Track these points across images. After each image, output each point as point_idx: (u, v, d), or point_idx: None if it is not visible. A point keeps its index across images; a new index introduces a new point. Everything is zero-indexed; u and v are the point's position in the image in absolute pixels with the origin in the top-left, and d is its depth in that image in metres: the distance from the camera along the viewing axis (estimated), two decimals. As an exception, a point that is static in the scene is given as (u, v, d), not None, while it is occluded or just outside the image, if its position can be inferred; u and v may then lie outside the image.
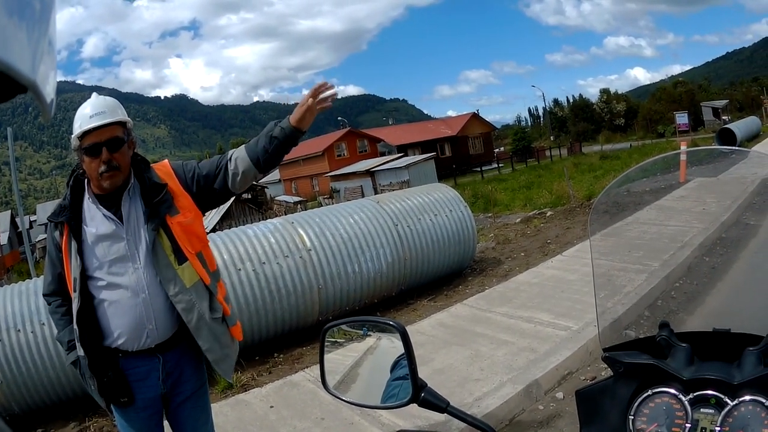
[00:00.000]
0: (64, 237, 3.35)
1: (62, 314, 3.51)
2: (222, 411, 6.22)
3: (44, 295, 3.64)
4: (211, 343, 3.49)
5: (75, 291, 3.31)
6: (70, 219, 3.34)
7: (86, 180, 3.41)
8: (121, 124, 3.33)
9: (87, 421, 6.93)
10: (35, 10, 0.51)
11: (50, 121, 0.59)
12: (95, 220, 3.37)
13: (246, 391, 6.95)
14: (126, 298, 3.33)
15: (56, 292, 3.53)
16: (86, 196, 3.41)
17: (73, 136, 3.30)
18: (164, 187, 3.43)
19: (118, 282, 3.34)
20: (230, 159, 3.51)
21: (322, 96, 3.36)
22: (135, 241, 3.37)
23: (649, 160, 2.21)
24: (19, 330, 6.89)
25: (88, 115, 3.25)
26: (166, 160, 3.74)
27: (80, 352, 3.36)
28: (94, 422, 6.88)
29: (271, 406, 6.31)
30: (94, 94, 3.40)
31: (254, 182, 3.57)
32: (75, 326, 3.34)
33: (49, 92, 0.54)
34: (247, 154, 3.48)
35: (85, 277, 3.33)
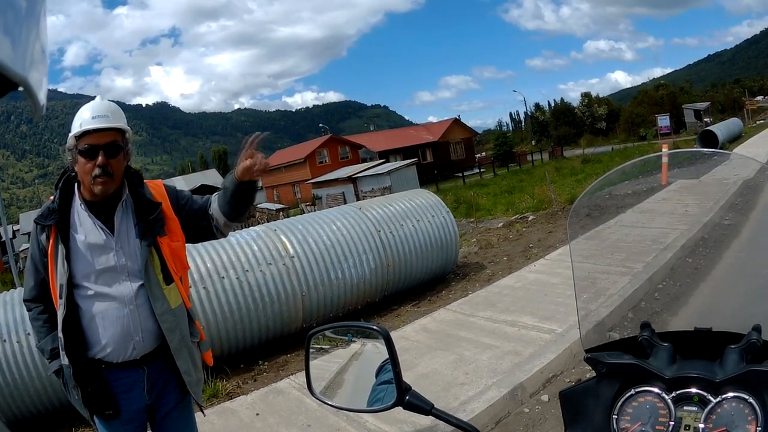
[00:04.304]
0: (51, 241, 3.29)
1: (44, 321, 3.44)
2: (208, 419, 6.16)
3: (25, 301, 3.55)
4: (188, 366, 3.50)
5: (61, 298, 3.25)
6: (59, 223, 3.28)
7: (77, 184, 3.37)
8: (121, 131, 3.30)
9: (74, 431, 6.87)
10: (21, 8, 0.52)
11: (41, 119, 0.59)
12: (85, 227, 3.33)
13: (231, 399, 6.92)
14: (113, 309, 3.30)
15: (38, 298, 3.46)
16: (76, 201, 3.36)
17: (70, 134, 3.25)
18: (159, 205, 3.43)
19: (106, 292, 3.30)
20: (210, 206, 3.57)
21: (252, 155, 3.34)
22: (125, 253, 3.34)
23: (629, 162, 2.22)
24: (4, 340, 6.81)
25: (90, 116, 3.21)
26: (161, 180, 3.74)
27: (64, 361, 3.30)
28: (81, 432, 6.83)
29: (257, 414, 6.28)
30: (98, 97, 3.37)
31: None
32: (60, 334, 3.28)
33: (41, 97, 0.54)
34: (219, 208, 3.53)
35: (72, 284, 3.28)
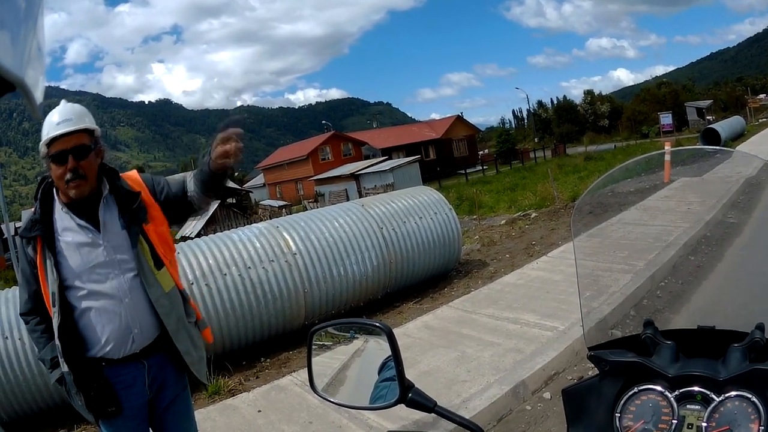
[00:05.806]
0: (38, 252, 3.31)
1: (41, 332, 3.45)
2: (210, 416, 6.19)
3: (21, 315, 3.56)
4: (188, 346, 3.54)
5: (54, 306, 3.27)
6: (43, 233, 3.30)
7: (56, 189, 3.38)
8: (89, 131, 3.31)
9: (75, 429, 6.86)
10: (20, 8, 0.51)
11: (40, 118, 0.59)
12: (70, 229, 3.34)
13: (233, 396, 6.92)
14: (109, 305, 3.32)
15: (33, 310, 3.46)
16: (57, 206, 3.38)
17: (41, 143, 3.27)
18: (138, 195, 3.46)
19: (99, 289, 3.32)
20: (188, 190, 3.59)
21: (229, 138, 3.29)
22: (113, 247, 3.36)
23: (632, 160, 2.22)
24: (6, 337, 6.80)
25: (54, 123, 3.23)
26: (135, 171, 3.76)
27: (64, 368, 3.32)
28: (83, 429, 6.82)
29: (259, 411, 6.29)
30: (63, 101, 3.37)
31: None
32: (57, 342, 3.29)
33: (38, 96, 0.54)
34: (195, 185, 3.55)
35: (63, 289, 3.29)
